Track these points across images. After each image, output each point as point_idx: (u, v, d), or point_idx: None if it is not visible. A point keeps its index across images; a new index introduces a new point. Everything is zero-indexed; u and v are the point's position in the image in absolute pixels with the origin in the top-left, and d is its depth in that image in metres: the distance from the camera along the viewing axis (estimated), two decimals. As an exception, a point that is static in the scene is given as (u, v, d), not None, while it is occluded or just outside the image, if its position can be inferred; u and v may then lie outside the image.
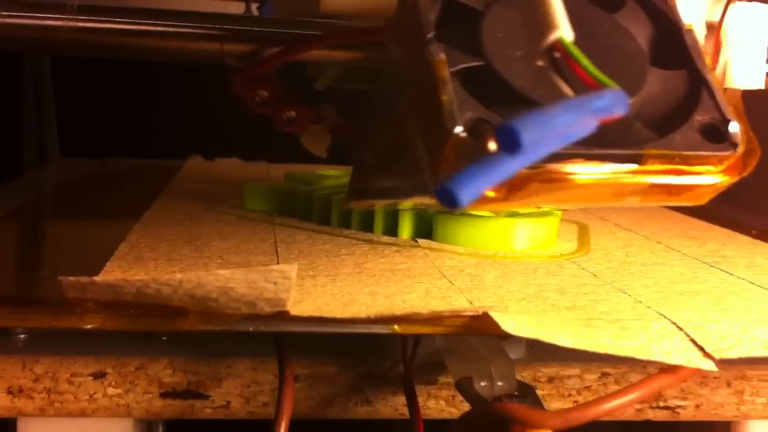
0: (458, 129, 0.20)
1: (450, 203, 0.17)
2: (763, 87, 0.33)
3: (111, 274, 0.26)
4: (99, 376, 0.27)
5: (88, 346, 0.28)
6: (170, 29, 0.34)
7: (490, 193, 0.21)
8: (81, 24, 0.32)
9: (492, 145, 0.19)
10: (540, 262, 0.31)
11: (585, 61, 0.20)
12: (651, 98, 0.24)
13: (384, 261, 0.30)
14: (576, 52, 0.20)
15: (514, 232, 0.33)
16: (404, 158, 0.24)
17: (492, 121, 0.20)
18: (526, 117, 0.18)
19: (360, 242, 0.33)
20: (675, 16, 0.26)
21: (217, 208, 0.40)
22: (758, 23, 0.32)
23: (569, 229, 0.38)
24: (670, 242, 0.36)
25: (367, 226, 0.35)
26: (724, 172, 0.25)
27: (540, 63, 0.21)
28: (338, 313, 0.22)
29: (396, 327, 0.23)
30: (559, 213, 0.36)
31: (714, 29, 0.32)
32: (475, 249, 0.33)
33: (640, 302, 0.26)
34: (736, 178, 0.26)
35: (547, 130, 0.18)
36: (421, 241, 0.34)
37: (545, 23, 0.20)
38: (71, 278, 0.20)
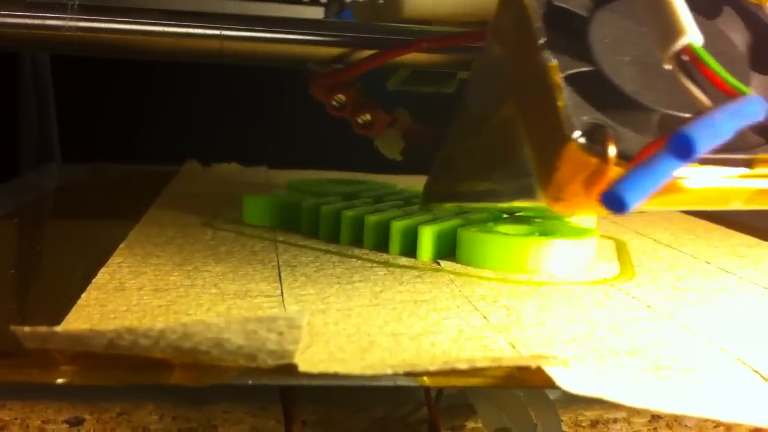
0: (576, 134, 0.19)
1: (616, 208, 0.17)
2: None
3: (85, 309, 0.22)
4: (75, 423, 0.24)
5: (62, 390, 0.24)
6: (197, 30, 0.33)
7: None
8: (83, 23, 0.32)
9: (612, 150, 0.19)
10: (582, 288, 0.27)
11: (718, 67, 0.20)
12: None
13: (404, 289, 0.26)
14: (707, 57, 0.20)
15: (551, 254, 0.29)
16: (506, 162, 0.24)
17: (606, 125, 0.20)
18: (697, 124, 0.18)
19: (375, 265, 0.29)
20: None
21: (212, 222, 0.36)
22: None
23: (606, 247, 0.34)
24: (720, 263, 0.32)
25: (381, 245, 0.31)
26: None
27: (666, 67, 0.20)
28: (356, 364, 0.18)
29: (426, 379, 0.19)
30: (597, 230, 0.32)
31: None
32: (505, 273, 0.29)
33: (711, 343, 0.22)
34: None
35: (716, 137, 0.18)
36: (443, 263, 0.30)
37: (672, 28, 0.20)
38: (27, 329, 0.16)
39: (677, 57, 0.20)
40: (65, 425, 0.24)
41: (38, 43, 0.33)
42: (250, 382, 0.18)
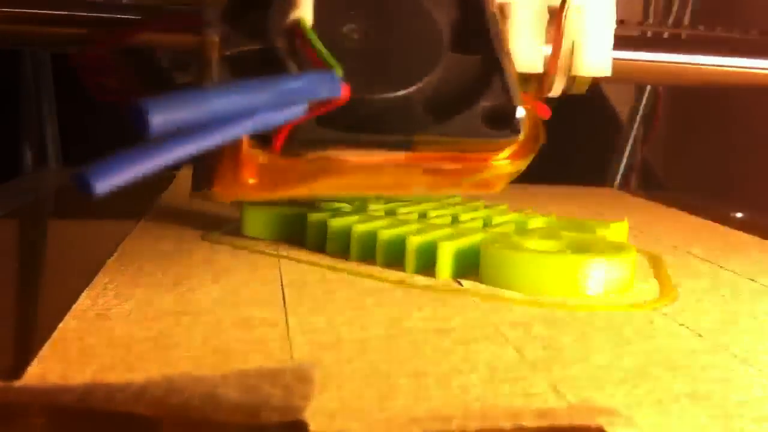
0: None
1: (84, 192, 0.16)
2: (609, 74, 0.31)
3: (61, 343, 0.19)
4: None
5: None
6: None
7: (250, 180, 0.22)
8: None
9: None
10: (622, 314, 0.24)
11: (316, 42, 0.20)
12: (444, 83, 0.24)
13: (424, 316, 0.23)
14: (309, 31, 0.21)
15: (586, 273, 0.26)
16: None
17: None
18: (168, 97, 0.17)
19: (389, 285, 0.26)
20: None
21: (210, 235, 0.33)
22: (603, 8, 0.31)
23: (640, 263, 0.31)
24: (765, 280, 0.30)
25: (395, 261, 0.29)
26: (511, 158, 0.26)
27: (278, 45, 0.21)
28: (375, 416, 0.15)
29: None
30: (634, 247, 0.29)
31: (556, 15, 0.30)
32: (535, 294, 0.26)
33: (781, 383, 0.19)
34: (523, 166, 0.27)
35: (197, 113, 0.16)
36: (466, 283, 0.27)
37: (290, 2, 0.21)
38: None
39: (288, 33, 0.21)
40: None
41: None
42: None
